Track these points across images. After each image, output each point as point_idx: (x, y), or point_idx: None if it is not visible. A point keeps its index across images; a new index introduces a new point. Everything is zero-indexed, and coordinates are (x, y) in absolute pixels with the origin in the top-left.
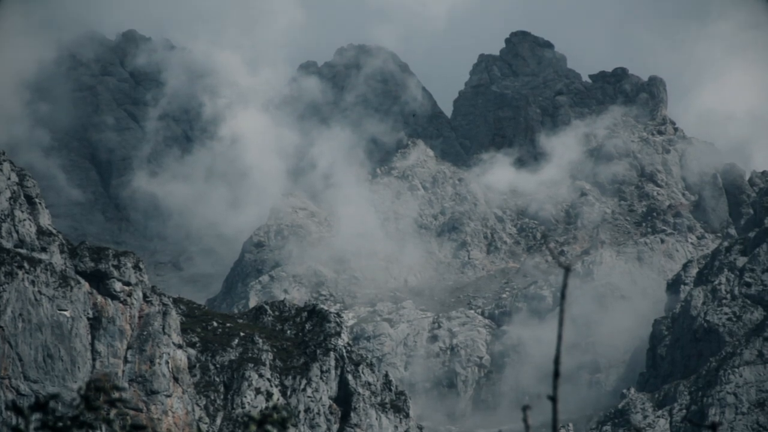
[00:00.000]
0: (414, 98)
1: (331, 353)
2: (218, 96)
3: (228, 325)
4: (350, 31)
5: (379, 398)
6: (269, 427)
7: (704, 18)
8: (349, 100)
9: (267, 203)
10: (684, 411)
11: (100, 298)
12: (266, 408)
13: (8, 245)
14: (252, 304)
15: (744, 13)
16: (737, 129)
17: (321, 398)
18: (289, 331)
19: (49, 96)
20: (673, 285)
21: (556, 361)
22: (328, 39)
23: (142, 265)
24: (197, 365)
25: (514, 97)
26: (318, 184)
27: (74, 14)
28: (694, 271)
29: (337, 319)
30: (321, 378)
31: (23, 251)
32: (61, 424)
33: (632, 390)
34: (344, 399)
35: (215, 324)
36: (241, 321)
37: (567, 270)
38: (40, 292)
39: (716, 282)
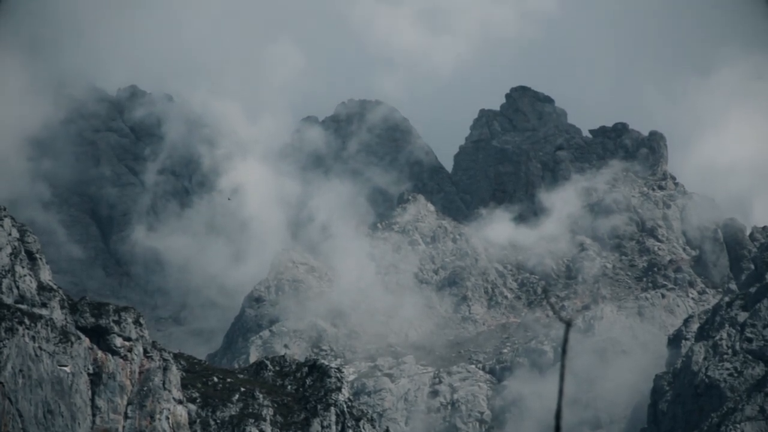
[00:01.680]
0: (415, 153)
1: (332, 408)
2: (218, 147)
3: (228, 380)
4: (351, 80)
5: None
6: None
7: (704, 70)
8: (350, 153)
9: (268, 255)
10: None
11: (100, 354)
12: None
13: (9, 301)
14: (252, 359)
15: (744, 65)
16: (738, 182)
17: None
18: (289, 386)
19: (51, 151)
20: (675, 340)
21: (557, 416)
22: (329, 87)
23: (142, 321)
24: (198, 421)
25: (515, 152)
26: (318, 237)
27: (76, 70)
28: (695, 326)
29: (338, 374)
30: None
31: (24, 307)
32: None
33: None
34: None
35: (216, 379)
36: (241, 376)
37: (568, 325)
38: (40, 348)
39: (717, 337)
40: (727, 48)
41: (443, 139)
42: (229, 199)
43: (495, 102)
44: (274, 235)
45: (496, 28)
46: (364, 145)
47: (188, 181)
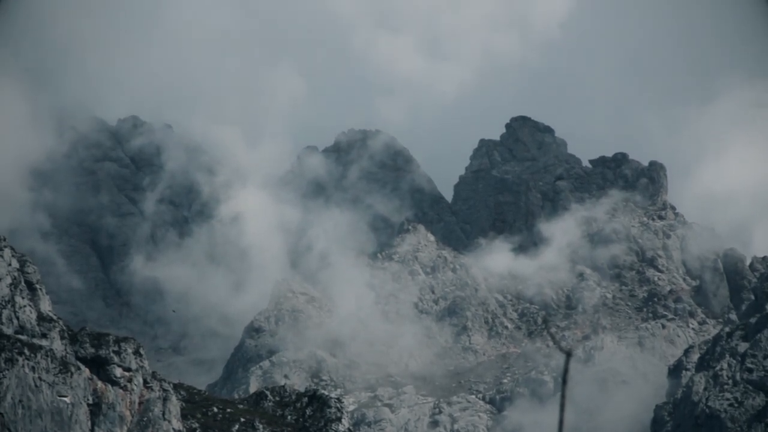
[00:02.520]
0: (415, 182)
1: None
2: (217, 175)
3: (228, 410)
4: (352, 108)
5: None
6: None
7: (705, 99)
8: (350, 182)
9: (268, 283)
10: None
11: (100, 384)
12: None
13: (9, 331)
14: (252, 389)
15: (746, 92)
16: (738, 211)
17: None
18: (289, 417)
19: (51, 181)
20: (675, 370)
21: None
22: (329, 114)
23: (142, 351)
24: None
25: (515, 181)
26: (318, 266)
27: (77, 100)
28: (695, 356)
29: (338, 405)
30: None
31: (24, 337)
32: None
33: None
34: None
35: (216, 409)
36: (241, 406)
37: (568, 355)
38: (40, 378)
39: (718, 368)
40: (729, 75)
41: (443, 168)
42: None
43: (495, 132)
44: (274, 263)
45: (497, 57)
46: (364, 173)
47: (188, 210)
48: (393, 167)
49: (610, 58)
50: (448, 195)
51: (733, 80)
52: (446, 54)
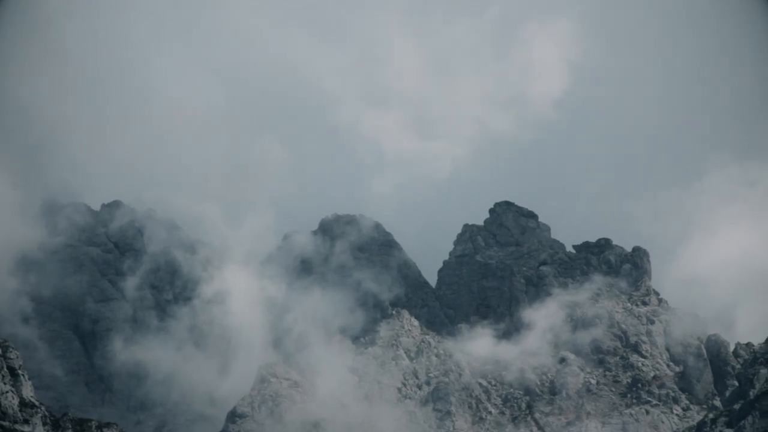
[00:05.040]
0: (399, 267)
1: None
2: (199, 254)
3: None
4: (335, 188)
5: None
6: None
7: (690, 182)
8: (332, 266)
9: (252, 364)
10: None
11: None
12: None
13: None
14: None
15: (734, 171)
16: (721, 295)
17: None
18: None
19: (34, 266)
20: None
21: None
22: (315, 190)
23: None
24: None
25: (499, 267)
26: (301, 349)
27: (60, 185)
28: None
29: None
30: None
31: (6, 423)
32: None
33: None
34: None
35: None
36: None
37: None
38: None
39: None
40: (718, 154)
41: (427, 253)
42: None
43: (479, 217)
44: (258, 344)
45: (480, 141)
46: (347, 258)
47: (170, 292)
48: (376, 253)
49: (600, 139)
50: (432, 280)
51: (722, 159)
52: (433, 135)
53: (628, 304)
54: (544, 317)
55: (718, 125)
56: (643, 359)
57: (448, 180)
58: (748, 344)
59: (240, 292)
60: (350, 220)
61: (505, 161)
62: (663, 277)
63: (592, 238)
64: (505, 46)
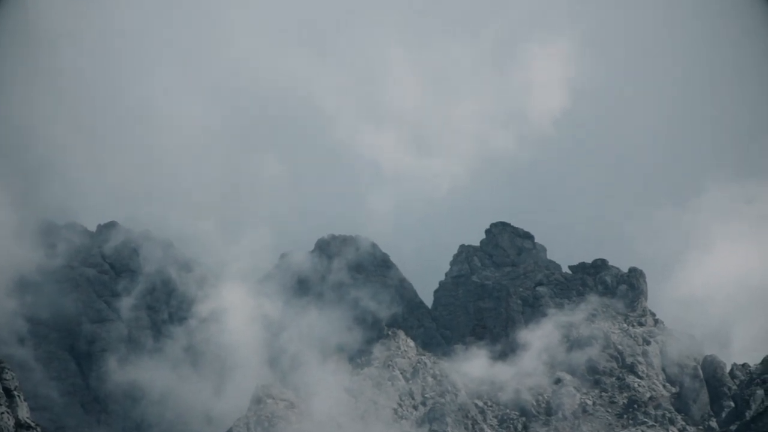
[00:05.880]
0: (395, 288)
1: None
2: (195, 273)
3: None
4: (332, 207)
5: None
6: None
7: (689, 197)
8: (328, 286)
9: (249, 382)
10: None
11: None
12: None
13: None
14: None
15: (732, 188)
16: (717, 313)
17: None
18: None
19: (30, 287)
20: None
21: None
22: (312, 207)
23: None
24: None
25: (495, 287)
26: (298, 370)
27: (57, 206)
28: None
29: None
30: None
31: None
32: None
33: None
34: None
35: None
36: None
37: None
38: None
39: None
40: (716, 172)
41: (423, 273)
42: None
43: (475, 237)
44: (254, 364)
45: (478, 159)
46: (344, 276)
47: (165, 311)
48: (372, 273)
49: (599, 157)
50: (428, 300)
51: (721, 176)
52: (431, 152)
53: (624, 325)
54: (540, 337)
55: (717, 143)
56: (639, 380)
57: (445, 198)
58: (744, 365)
59: (236, 310)
60: (346, 241)
61: (504, 180)
62: (660, 295)
63: (589, 259)
64: (505, 65)
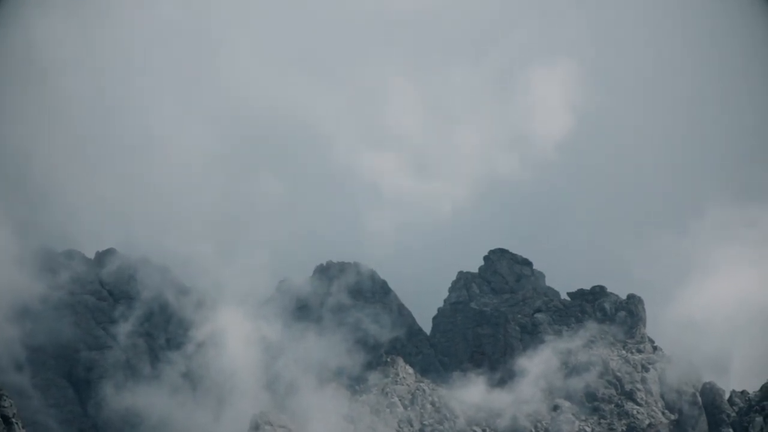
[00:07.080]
0: (393, 315)
1: None
2: (193, 297)
3: None
4: (334, 228)
5: None
6: None
7: (688, 222)
8: (326, 312)
9: (245, 409)
10: None
11: None
12: None
13: None
14: None
15: (734, 212)
16: (716, 338)
17: None
18: None
19: (28, 314)
20: None
21: None
22: (310, 230)
23: None
24: None
25: (494, 314)
26: (295, 396)
27: (56, 234)
28: None
29: None
30: None
31: None
32: None
33: None
34: None
35: None
36: None
37: None
38: None
39: None
40: (715, 196)
41: (422, 299)
42: None
43: (473, 263)
44: (252, 389)
45: (479, 183)
46: (344, 299)
47: (162, 337)
48: (371, 300)
49: (601, 183)
50: (427, 326)
51: (722, 199)
52: (431, 176)
53: (623, 352)
54: (538, 364)
55: (717, 166)
56: (638, 407)
57: (445, 222)
58: (743, 392)
59: (234, 335)
60: (345, 267)
61: (505, 204)
62: (660, 319)
63: (587, 285)
64: (507, 88)
